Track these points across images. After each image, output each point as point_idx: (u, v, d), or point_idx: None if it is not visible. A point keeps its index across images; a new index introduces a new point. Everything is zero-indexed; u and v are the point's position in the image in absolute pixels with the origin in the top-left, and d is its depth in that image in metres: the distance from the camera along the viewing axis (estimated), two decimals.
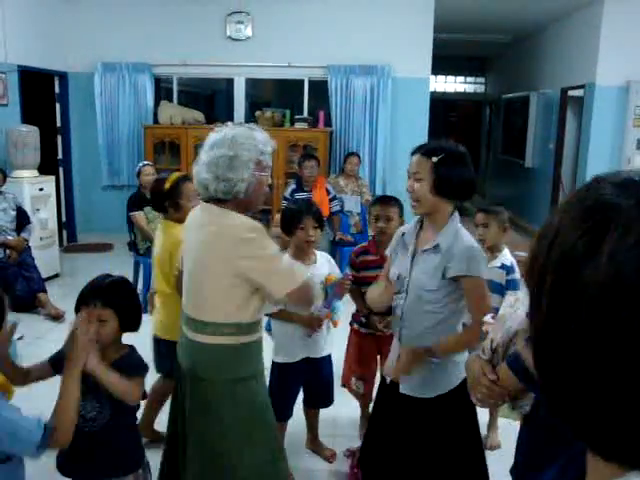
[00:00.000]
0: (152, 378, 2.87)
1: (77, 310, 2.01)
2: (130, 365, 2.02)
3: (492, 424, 3.34)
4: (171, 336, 2.67)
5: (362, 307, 3.11)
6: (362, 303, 3.09)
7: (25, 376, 2.04)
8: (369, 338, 3.15)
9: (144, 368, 2.07)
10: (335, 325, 2.99)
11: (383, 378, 2.47)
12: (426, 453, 2.24)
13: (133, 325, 2.06)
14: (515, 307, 1.67)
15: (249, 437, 2.12)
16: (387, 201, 3.14)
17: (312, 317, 2.81)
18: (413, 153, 2.18)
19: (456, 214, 2.19)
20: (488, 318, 1.74)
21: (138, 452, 2.13)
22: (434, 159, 2.08)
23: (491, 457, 2.69)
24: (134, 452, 2.09)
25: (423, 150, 2.15)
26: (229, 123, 2.22)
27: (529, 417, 1.61)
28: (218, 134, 2.12)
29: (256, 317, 2.13)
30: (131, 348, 2.10)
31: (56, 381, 1.94)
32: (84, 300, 1.99)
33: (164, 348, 2.89)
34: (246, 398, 2.12)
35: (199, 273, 2.11)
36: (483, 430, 3.34)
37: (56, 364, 2.04)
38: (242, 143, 2.06)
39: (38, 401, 1.96)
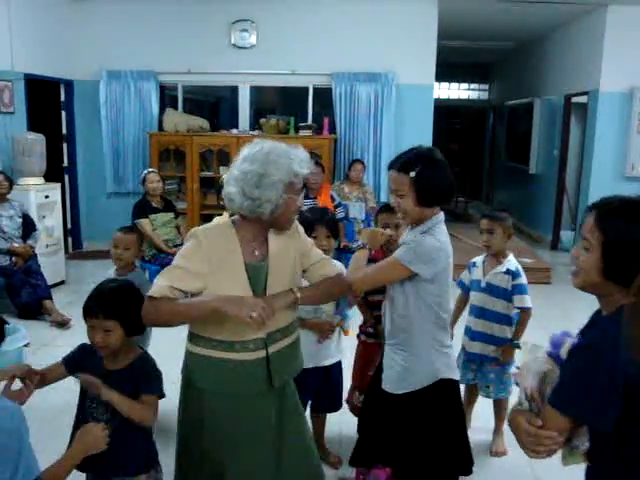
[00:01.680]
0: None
1: (85, 318, 2.04)
2: (143, 373, 2.04)
3: (498, 430, 3.33)
4: None
5: (369, 317, 3.11)
6: (369, 312, 3.10)
7: (41, 382, 2.08)
8: (376, 347, 3.15)
9: (157, 379, 2.08)
10: (346, 334, 3.00)
11: (374, 379, 2.50)
12: (404, 447, 2.29)
13: (140, 329, 2.07)
14: (535, 353, 1.63)
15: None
16: (394, 209, 3.15)
17: (323, 322, 2.82)
18: (389, 168, 2.20)
19: (439, 215, 2.24)
20: (513, 369, 1.73)
21: (150, 453, 2.14)
22: (412, 174, 2.09)
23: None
24: (146, 453, 2.10)
25: (398, 165, 2.15)
26: (258, 140, 2.08)
27: (594, 452, 1.49)
28: (253, 147, 2.00)
29: (199, 328, 2.04)
30: (142, 352, 2.12)
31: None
32: (88, 311, 2.01)
33: None
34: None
35: None
36: (489, 436, 3.35)
37: (69, 364, 2.10)
38: (275, 161, 1.93)
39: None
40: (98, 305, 1.99)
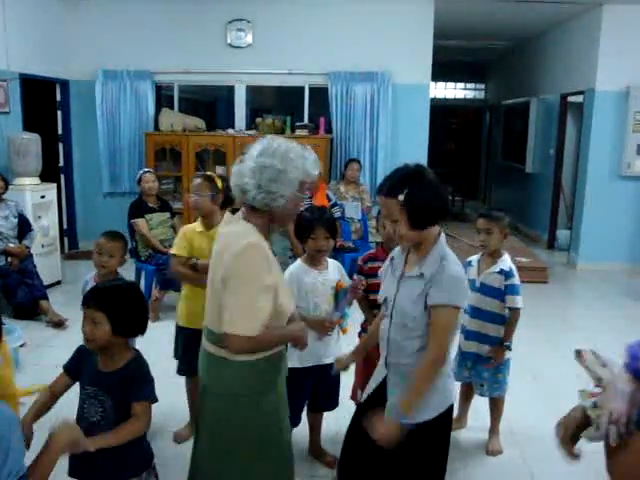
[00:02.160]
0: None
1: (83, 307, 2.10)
2: (134, 379, 2.04)
3: (494, 428, 3.34)
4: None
5: (370, 315, 3.11)
6: (370, 311, 3.11)
7: (53, 399, 2.13)
8: (377, 347, 3.15)
9: (149, 385, 2.08)
10: (344, 332, 3.01)
11: (368, 402, 2.41)
12: (394, 473, 2.21)
13: (128, 330, 2.05)
14: (601, 363, 1.58)
15: (254, 456, 2.10)
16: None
17: (323, 320, 2.83)
18: (378, 193, 2.13)
19: (442, 238, 2.14)
20: (591, 388, 1.65)
21: (144, 455, 2.13)
22: (400, 198, 2.01)
23: None
24: (140, 455, 2.10)
25: (386, 190, 2.07)
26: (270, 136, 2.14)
27: None
28: (269, 143, 2.05)
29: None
30: (135, 355, 2.11)
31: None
32: (84, 299, 2.09)
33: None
34: (251, 415, 2.08)
35: (210, 282, 2.10)
36: (485, 435, 3.36)
37: (70, 371, 2.14)
38: (293, 160, 2.02)
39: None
40: (92, 295, 2.05)
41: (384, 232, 3.09)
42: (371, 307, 3.12)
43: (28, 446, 1.88)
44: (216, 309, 2.01)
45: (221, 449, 2.10)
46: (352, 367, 3.28)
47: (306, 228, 2.86)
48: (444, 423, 2.19)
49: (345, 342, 3.09)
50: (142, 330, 2.09)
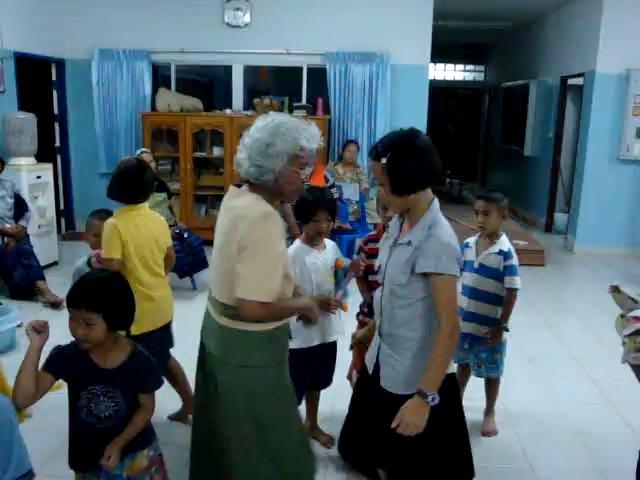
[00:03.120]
0: None
1: (67, 307, 1.94)
2: (141, 373, 2.01)
3: (489, 409, 3.36)
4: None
5: (368, 296, 3.12)
6: (368, 292, 3.11)
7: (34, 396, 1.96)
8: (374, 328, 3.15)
9: (156, 375, 2.09)
10: (345, 309, 3.01)
11: (365, 368, 2.47)
12: (406, 446, 2.18)
13: (124, 324, 2.01)
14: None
15: (273, 424, 2.15)
16: None
17: (329, 299, 2.83)
18: (369, 156, 2.16)
19: (434, 204, 2.13)
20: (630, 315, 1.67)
21: (148, 429, 2.13)
22: (383, 161, 2.02)
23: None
24: (148, 427, 2.11)
25: (373, 154, 2.10)
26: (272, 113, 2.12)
27: None
28: (267, 118, 2.07)
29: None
30: (135, 347, 2.06)
31: None
32: (70, 300, 1.90)
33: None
34: (261, 385, 2.12)
35: (217, 253, 2.12)
36: (480, 416, 3.37)
37: (53, 366, 1.97)
38: (282, 133, 2.00)
39: None
40: (81, 295, 1.88)
41: (384, 215, 3.08)
42: (371, 289, 3.12)
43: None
44: (226, 281, 2.03)
45: (236, 417, 2.12)
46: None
47: (308, 210, 2.84)
48: (448, 390, 2.16)
49: (343, 320, 3.10)
50: (133, 319, 2.04)
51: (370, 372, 2.35)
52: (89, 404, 1.96)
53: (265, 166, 2.00)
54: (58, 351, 1.99)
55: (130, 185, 2.98)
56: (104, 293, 1.91)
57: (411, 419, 2.01)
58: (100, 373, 1.96)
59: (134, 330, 2.44)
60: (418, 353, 2.15)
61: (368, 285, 3.13)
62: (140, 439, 2.06)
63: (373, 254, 3.10)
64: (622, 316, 1.81)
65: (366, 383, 2.40)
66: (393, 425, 2.03)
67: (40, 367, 1.94)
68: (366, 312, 3.18)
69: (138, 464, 2.05)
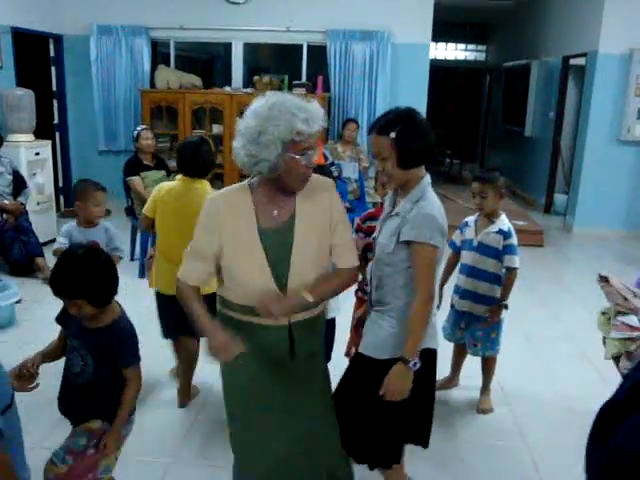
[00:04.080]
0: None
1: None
2: (118, 346, 2.07)
3: (485, 388, 3.39)
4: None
5: (365, 273, 3.14)
6: (365, 269, 3.13)
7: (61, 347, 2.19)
8: None
9: (133, 349, 2.12)
10: None
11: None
12: (367, 410, 2.24)
13: (108, 299, 2.06)
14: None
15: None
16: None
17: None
18: (369, 132, 2.14)
19: (426, 178, 2.17)
20: (618, 320, 1.65)
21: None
22: (392, 135, 2.03)
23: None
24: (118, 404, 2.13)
25: (378, 128, 2.09)
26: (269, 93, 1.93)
27: None
28: (261, 100, 1.88)
29: (217, 289, 2.10)
30: (120, 316, 2.12)
31: None
32: (53, 292, 1.99)
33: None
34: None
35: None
36: (476, 394, 3.40)
37: (59, 320, 2.16)
38: (275, 117, 1.80)
39: None
40: (60, 290, 1.96)
41: (383, 193, 3.08)
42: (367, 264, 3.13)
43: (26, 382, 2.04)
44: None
45: (328, 403, 2.22)
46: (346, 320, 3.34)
47: None
48: (425, 364, 2.18)
49: (341, 297, 3.11)
50: (115, 291, 2.07)
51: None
52: (69, 355, 2.10)
53: (258, 155, 1.83)
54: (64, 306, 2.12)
55: (184, 159, 3.14)
56: (80, 281, 1.93)
57: (396, 385, 2.07)
58: (79, 329, 2.06)
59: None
60: (400, 320, 2.18)
61: (367, 263, 3.13)
62: (107, 413, 2.11)
63: (371, 232, 3.11)
64: (603, 313, 1.80)
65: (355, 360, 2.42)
66: (381, 392, 2.08)
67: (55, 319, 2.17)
68: (365, 290, 3.19)
69: (88, 425, 2.11)
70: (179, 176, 3.16)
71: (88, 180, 3.38)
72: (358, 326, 3.23)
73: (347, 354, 3.35)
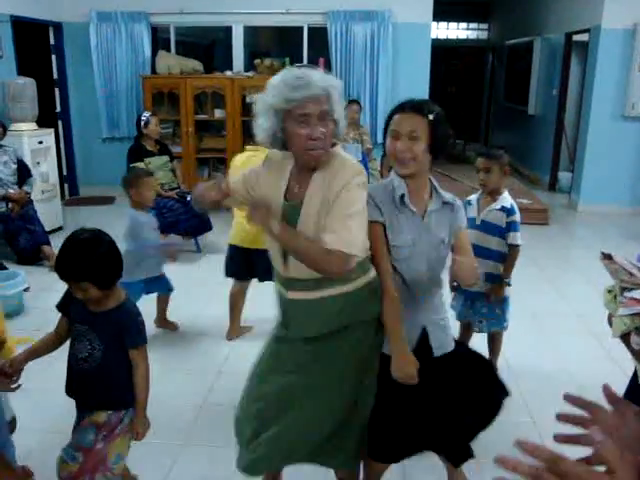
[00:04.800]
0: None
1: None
2: (126, 327, 2.08)
3: (493, 364, 3.40)
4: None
5: None
6: None
7: (58, 340, 2.19)
8: None
9: (140, 330, 2.13)
10: None
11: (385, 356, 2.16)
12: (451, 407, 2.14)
13: (113, 280, 2.06)
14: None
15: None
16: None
17: None
18: (399, 111, 2.01)
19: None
20: (624, 297, 1.62)
21: (132, 391, 2.16)
22: (430, 117, 1.95)
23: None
24: (128, 390, 2.14)
25: (414, 107, 1.99)
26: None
27: None
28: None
29: None
30: (125, 299, 2.12)
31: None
32: (59, 275, 1.98)
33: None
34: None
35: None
36: None
37: (61, 308, 2.16)
38: (271, 86, 1.83)
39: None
40: (66, 273, 1.97)
41: (386, 174, 3.09)
42: None
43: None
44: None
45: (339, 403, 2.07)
46: None
47: None
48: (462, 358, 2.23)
49: None
50: (120, 273, 2.08)
51: (412, 348, 2.09)
52: (73, 341, 2.09)
53: (257, 126, 1.89)
54: (67, 290, 2.11)
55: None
56: (85, 264, 1.95)
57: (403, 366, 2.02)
58: (85, 314, 2.06)
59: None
60: (444, 311, 2.23)
61: None
62: (120, 399, 2.13)
63: None
64: (609, 291, 1.79)
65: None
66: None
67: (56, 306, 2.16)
68: None
69: (96, 418, 2.12)
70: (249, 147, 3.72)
71: (138, 168, 3.78)
72: None
73: None
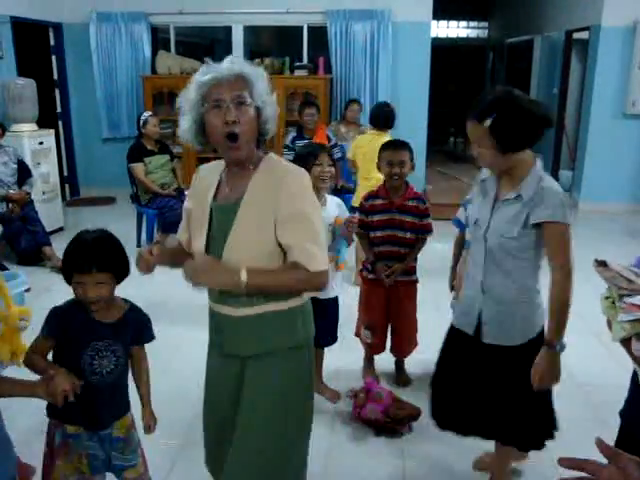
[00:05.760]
0: None
1: (69, 276, 1.90)
2: (137, 327, 2.04)
3: None
4: None
5: (369, 253, 3.16)
6: (369, 249, 3.15)
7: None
8: (377, 286, 3.19)
9: (150, 329, 2.09)
10: (340, 268, 3.04)
11: (451, 327, 2.39)
12: (501, 400, 2.22)
13: (125, 274, 2.00)
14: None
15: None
16: (399, 146, 3.16)
17: None
18: (467, 118, 2.06)
19: (538, 162, 2.12)
20: (623, 302, 1.59)
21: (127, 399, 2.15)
22: (486, 124, 1.96)
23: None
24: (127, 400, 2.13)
25: (473, 115, 2.02)
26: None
27: None
28: None
29: None
30: (130, 302, 2.08)
31: None
32: (80, 267, 1.87)
33: None
34: None
35: None
36: None
37: (57, 334, 1.97)
38: (191, 82, 1.75)
39: None
40: (90, 259, 1.86)
41: (388, 171, 3.08)
42: (372, 245, 3.15)
43: None
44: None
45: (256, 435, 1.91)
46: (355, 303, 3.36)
47: (310, 156, 2.84)
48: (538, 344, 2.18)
49: (346, 275, 3.13)
50: (128, 274, 2.02)
51: (472, 333, 2.26)
52: (92, 361, 1.94)
53: (182, 126, 1.77)
54: (54, 312, 1.97)
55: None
56: (109, 251, 1.91)
57: (546, 372, 2.06)
58: (102, 327, 1.96)
59: None
60: (527, 302, 2.18)
61: (370, 241, 3.15)
62: (126, 404, 2.11)
63: (373, 210, 3.12)
64: (606, 298, 1.77)
65: (462, 345, 2.33)
66: (532, 382, 2.07)
67: (40, 333, 1.96)
68: (369, 269, 3.21)
69: (126, 421, 2.09)
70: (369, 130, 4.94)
71: None
72: (369, 306, 3.26)
73: (357, 334, 3.38)
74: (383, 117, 4.83)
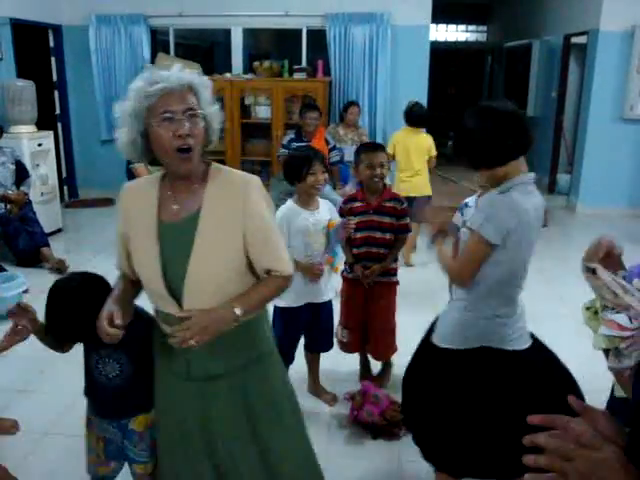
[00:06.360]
0: None
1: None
2: (144, 331, 2.00)
3: None
4: None
5: (348, 254, 3.17)
6: (348, 250, 3.16)
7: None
8: (356, 285, 3.20)
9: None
10: (336, 270, 3.04)
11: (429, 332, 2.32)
12: (458, 407, 2.16)
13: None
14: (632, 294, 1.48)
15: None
16: (377, 148, 3.19)
17: (312, 266, 2.86)
18: None
19: (523, 176, 2.01)
20: (608, 314, 1.51)
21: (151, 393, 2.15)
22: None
23: None
24: (148, 394, 2.13)
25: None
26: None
27: None
28: None
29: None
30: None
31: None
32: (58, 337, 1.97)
33: None
34: None
35: None
36: None
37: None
38: (130, 90, 1.67)
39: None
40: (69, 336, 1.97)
41: (369, 173, 3.08)
42: (351, 246, 3.14)
43: None
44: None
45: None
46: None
47: (303, 165, 2.83)
48: (469, 362, 2.15)
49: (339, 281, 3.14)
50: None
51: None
52: (97, 365, 2.01)
53: (120, 138, 1.68)
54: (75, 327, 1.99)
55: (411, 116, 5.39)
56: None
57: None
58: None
59: None
60: (465, 309, 2.14)
61: (349, 243, 3.15)
62: (140, 405, 2.09)
63: (351, 213, 3.13)
64: (587, 308, 1.75)
65: (423, 345, 2.33)
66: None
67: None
68: (348, 269, 3.22)
69: (146, 419, 2.09)
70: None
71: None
72: (348, 305, 3.25)
73: (335, 335, 3.34)
74: (415, 116, 5.38)
